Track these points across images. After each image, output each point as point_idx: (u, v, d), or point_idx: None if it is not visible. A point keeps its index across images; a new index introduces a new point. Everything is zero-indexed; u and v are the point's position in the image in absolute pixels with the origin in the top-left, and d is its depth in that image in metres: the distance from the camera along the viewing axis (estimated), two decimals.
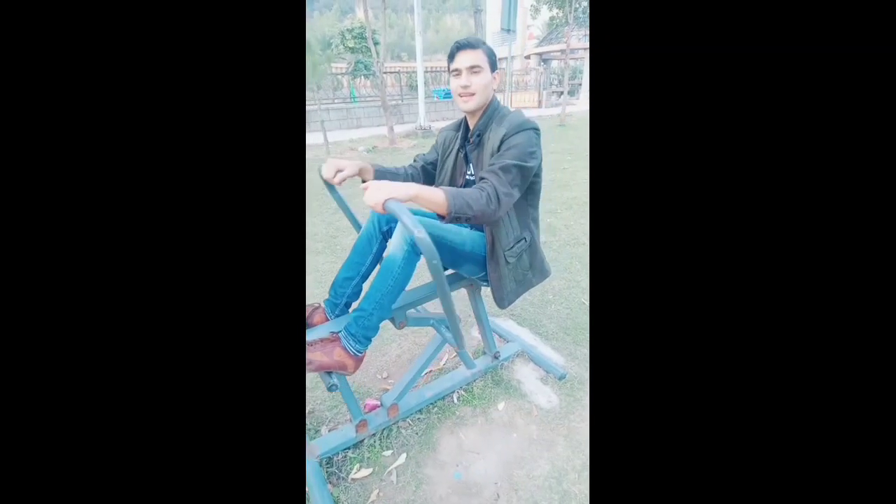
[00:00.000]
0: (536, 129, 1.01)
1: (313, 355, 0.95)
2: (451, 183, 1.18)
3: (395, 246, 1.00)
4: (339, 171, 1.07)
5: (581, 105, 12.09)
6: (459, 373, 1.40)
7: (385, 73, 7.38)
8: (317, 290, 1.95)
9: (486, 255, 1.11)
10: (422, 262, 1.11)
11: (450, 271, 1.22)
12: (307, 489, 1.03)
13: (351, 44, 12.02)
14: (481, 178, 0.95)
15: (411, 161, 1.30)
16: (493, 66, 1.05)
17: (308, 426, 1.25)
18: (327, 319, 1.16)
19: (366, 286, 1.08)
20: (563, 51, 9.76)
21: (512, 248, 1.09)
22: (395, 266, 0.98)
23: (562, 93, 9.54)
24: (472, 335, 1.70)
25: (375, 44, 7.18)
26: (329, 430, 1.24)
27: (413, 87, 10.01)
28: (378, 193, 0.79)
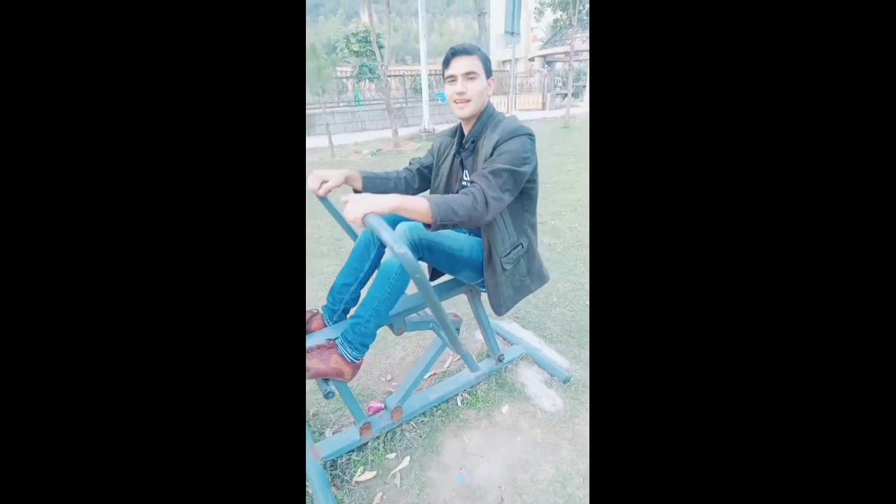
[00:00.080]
0: (530, 135, 1.00)
1: (310, 362, 0.95)
2: (447, 188, 1.17)
3: (392, 252, 0.99)
4: (323, 182, 1.05)
5: (585, 107, 12.06)
6: (463, 375, 1.40)
7: (389, 76, 7.42)
8: (321, 293, 1.95)
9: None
10: (422, 265, 1.11)
11: (449, 277, 1.22)
12: (311, 492, 1.03)
13: (355, 48, 12.09)
14: (471, 182, 0.94)
15: (407, 164, 1.29)
16: (489, 73, 1.05)
17: (312, 428, 1.26)
18: (325, 325, 1.16)
19: (364, 292, 1.07)
20: (567, 53, 9.75)
21: (508, 254, 1.08)
22: (392, 273, 0.98)
23: (566, 95, 9.53)
24: (476, 338, 1.69)
25: (380, 47, 7.22)
26: (333, 433, 1.24)
27: (417, 91, 10.05)
28: (357, 208, 0.77)
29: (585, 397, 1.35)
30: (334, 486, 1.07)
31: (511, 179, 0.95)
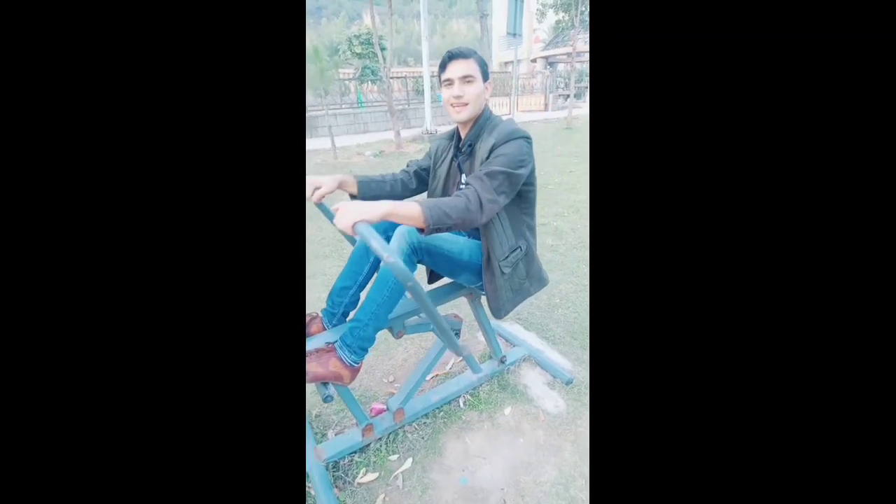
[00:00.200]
0: (527, 138, 0.99)
1: (309, 366, 0.95)
2: (445, 191, 1.17)
3: None
4: (316, 188, 1.04)
5: (587, 108, 12.02)
6: (465, 377, 1.40)
7: (392, 78, 7.44)
8: (323, 294, 1.96)
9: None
10: (420, 269, 1.11)
11: (449, 280, 1.21)
12: (314, 493, 1.03)
13: (358, 50, 12.13)
14: (465, 185, 0.93)
15: (404, 166, 1.28)
16: (486, 76, 1.04)
17: (315, 430, 1.26)
18: (325, 329, 1.16)
19: (363, 295, 1.07)
20: (569, 54, 9.75)
21: (507, 257, 1.07)
22: (391, 276, 0.97)
23: (568, 96, 9.52)
24: (478, 339, 1.69)
25: (382, 49, 7.25)
26: (336, 434, 1.24)
27: (420, 92, 10.07)
28: (347, 217, 0.76)
29: (588, 399, 1.34)
30: (337, 487, 1.07)
31: (507, 181, 0.94)
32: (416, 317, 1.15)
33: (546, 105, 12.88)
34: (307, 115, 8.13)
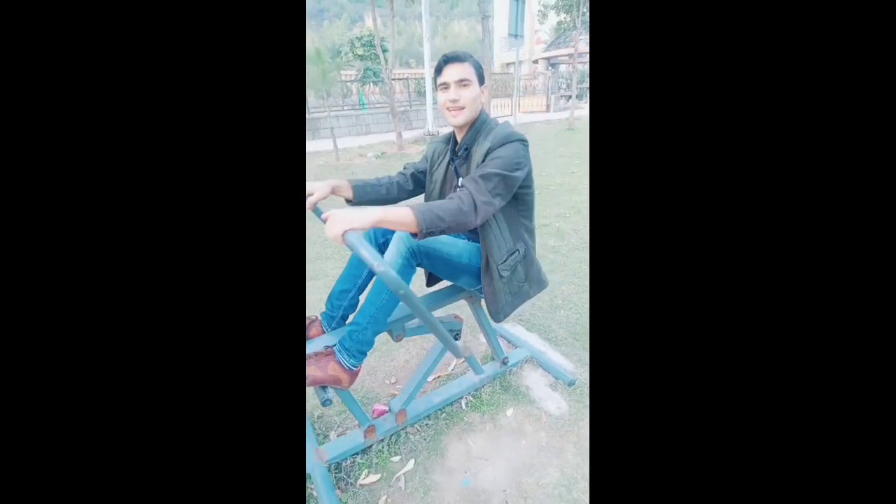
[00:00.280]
0: (523, 141, 0.99)
1: (308, 370, 0.95)
2: (441, 194, 1.16)
3: (389, 259, 0.99)
4: (308, 195, 1.04)
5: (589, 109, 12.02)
6: (467, 378, 1.40)
7: (394, 79, 7.45)
8: (325, 296, 1.96)
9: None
10: (419, 273, 1.11)
11: (448, 283, 1.21)
12: (316, 494, 1.03)
13: (360, 51, 12.16)
14: (459, 187, 0.93)
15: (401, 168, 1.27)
16: (482, 80, 1.03)
17: (317, 431, 1.26)
18: (324, 332, 1.16)
19: (362, 298, 1.07)
20: (570, 55, 9.75)
21: (505, 261, 1.06)
22: None
23: (570, 97, 9.51)
24: (481, 340, 1.69)
25: (384, 51, 7.27)
26: (338, 435, 1.24)
27: (421, 93, 10.09)
28: (336, 226, 0.74)
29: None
30: (339, 488, 1.07)
31: (502, 184, 0.93)
32: (415, 320, 1.15)
33: (548, 106, 12.87)
34: (309, 116, 8.16)
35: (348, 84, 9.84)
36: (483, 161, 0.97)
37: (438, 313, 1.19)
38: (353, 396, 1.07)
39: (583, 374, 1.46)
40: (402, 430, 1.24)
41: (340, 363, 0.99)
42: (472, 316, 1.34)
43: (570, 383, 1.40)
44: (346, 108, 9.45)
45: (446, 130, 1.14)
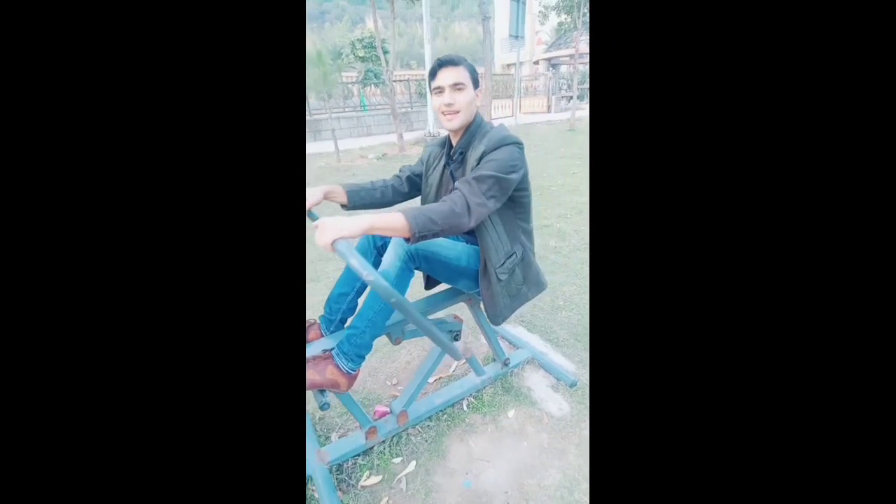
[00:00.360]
0: (518, 144, 0.98)
1: (306, 373, 0.95)
2: (437, 198, 1.15)
3: (387, 262, 0.98)
4: None
5: None
6: (469, 380, 1.39)
7: (395, 81, 7.47)
8: (325, 297, 1.97)
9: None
10: (417, 276, 1.10)
11: (447, 286, 1.21)
12: (317, 496, 1.03)
13: (361, 53, 12.21)
14: (453, 189, 0.92)
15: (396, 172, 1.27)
16: (476, 83, 1.03)
17: (318, 432, 1.26)
18: (322, 335, 1.16)
19: (361, 301, 1.06)
20: (571, 56, 9.75)
21: (503, 264, 1.05)
22: (388, 282, 0.97)
23: (571, 98, 9.52)
24: (482, 342, 1.69)
25: (385, 53, 7.28)
26: (339, 437, 1.24)
27: (422, 95, 10.11)
28: (325, 235, 0.73)
29: None
30: (340, 490, 1.07)
31: (497, 186, 0.92)
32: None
33: (549, 107, 12.88)
34: (311, 118, 8.18)
35: (349, 86, 9.86)
36: (478, 164, 0.96)
37: (438, 314, 1.19)
38: (353, 399, 1.07)
39: (584, 376, 1.45)
40: (403, 431, 1.24)
41: (338, 367, 0.98)
42: (471, 318, 1.34)
43: (572, 384, 1.40)
44: (347, 109, 9.47)
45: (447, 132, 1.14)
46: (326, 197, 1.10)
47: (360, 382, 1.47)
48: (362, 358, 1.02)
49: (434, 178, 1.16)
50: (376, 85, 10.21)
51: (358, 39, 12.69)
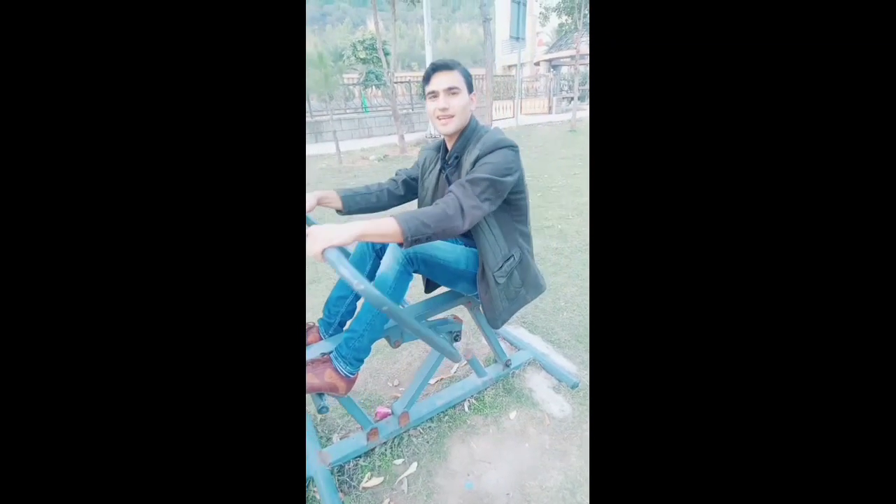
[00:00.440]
0: (513, 147, 0.98)
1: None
2: (433, 202, 1.15)
3: (386, 265, 0.98)
4: None
5: None
6: (470, 381, 1.39)
7: (396, 82, 7.48)
8: (325, 298, 1.97)
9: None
10: (416, 278, 1.10)
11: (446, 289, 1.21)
12: (319, 497, 1.03)
13: (362, 55, 12.24)
14: (447, 193, 0.92)
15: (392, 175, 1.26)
16: (470, 87, 1.02)
17: (320, 434, 1.26)
18: (321, 339, 1.15)
19: (360, 304, 1.06)
20: (572, 57, 9.76)
21: (501, 267, 1.05)
22: (386, 286, 0.97)
23: (572, 98, 9.52)
24: (483, 343, 1.68)
25: (386, 54, 7.30)
26: (340, 438, 1.24)
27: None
28: (315, 244, 0.73)
29: None
30: (342, 491, 1.07)
31: (491, 188, 0.92)
32: None
33: (550, 108, 12.89)
34: (312, 119, 8.20)
35: (351, 87, 9.88)
36: (473, 168, 0.96)
37: (438, 316, 1.19)
38: (353, 401, 1.07)
39: (586, 377, 1.45)
40: (404, 432, 1.24)
41: (337, 370, 0.98)
42: (471, 320, 1.34)
43: (574, 386, 1.40)
44: (348, 111, 9.49)
45: None
46: (320, 203, 1.10)
47: (361, 384, 1.47)
48: (361, 361, 1.01)
49: (430, 182, 1.16)
50: (377, 86, 10.23)
51: (359, 41, 12.73)
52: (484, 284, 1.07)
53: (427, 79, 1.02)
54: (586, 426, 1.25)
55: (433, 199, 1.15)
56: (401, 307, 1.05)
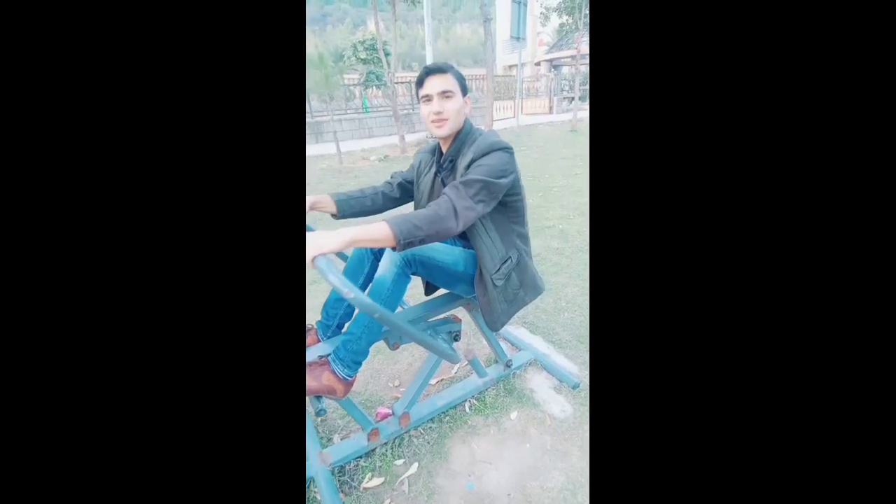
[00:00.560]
0: (507, 149, 0.97)
1: None
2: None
3: (384, 268, 0.98)
4: None
5: None
6: (471, 381, 1.39)
7: (396, 83, 7.48)
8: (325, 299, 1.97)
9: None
10: (416, 280, 1.10)
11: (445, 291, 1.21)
12: (319, 498, 1.03)
13: (363, 55, 12.25)
14: (441, 195, 0.92)
15: (388, 177, 1.26)
16: (464, 90, 1.02)
17: (320, 434, 1.26)
18: (319, 341, 1.15)
19: None
20: (573, 57, 9.76)
21: (499, 269, 1.04)
22: (384, 289, 0.96)
23: (573, 98, 9.52)
24: (484, 343, 1.68)
25: (387, 55, 7.30)
26: (341, 439, 1.24)
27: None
28: (306, 252, 0.72)
29: None
30: (342, 492, 1.07)
31: (485, 190, 0.91)
32: None
33: (551, 108, 12.89)
34: (313, 120, 8.21)
35: (351, 88, 9.88)
36: (467, 171, 0.96)
37: (437, 318, 1.19)
38: (353, 402, 1.07)
39: (587, 377, 1.45)
40: (405, 433, 1.23)
41: (335, 373, 0.98)
42: (472, 321, 1.33)
43: (574, 386, 1.39)
44: (349, 111, 9.49)
45: None
46: (314, 207, 1.09)
47: (362, 384, 1.47)
48: (359, 364, 1.01)
49: (425, 185, 1.15)
50: (378, 87, 10.24)
51: (360, 42, 12.74)
52: (482, 287, 1.06)
53: (420, 82, 1.01)
54: (587, 427, 1.25)
55: (428, 203, 1.15)
56: (399, 309, 1.04)
